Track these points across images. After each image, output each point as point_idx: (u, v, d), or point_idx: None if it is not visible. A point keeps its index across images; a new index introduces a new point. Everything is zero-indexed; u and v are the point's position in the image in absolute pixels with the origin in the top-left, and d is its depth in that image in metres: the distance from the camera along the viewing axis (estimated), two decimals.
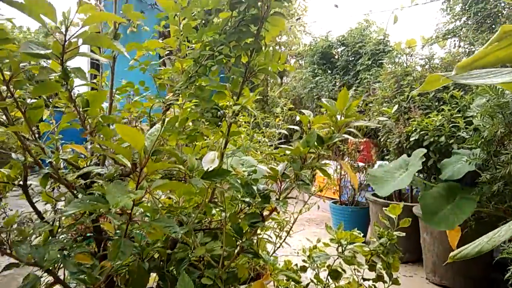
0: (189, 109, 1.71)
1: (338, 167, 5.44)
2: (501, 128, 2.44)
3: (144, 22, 2.25)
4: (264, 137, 2.94)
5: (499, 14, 5.10)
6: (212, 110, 1.66)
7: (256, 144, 2.75)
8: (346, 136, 1.73)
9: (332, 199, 5.63)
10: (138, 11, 1.79)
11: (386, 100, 4.17)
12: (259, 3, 1.58)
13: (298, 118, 1.91)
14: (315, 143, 1.64)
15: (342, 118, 1.69)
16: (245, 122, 3.08)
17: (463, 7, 5.65)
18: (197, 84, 1.64)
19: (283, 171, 1.66)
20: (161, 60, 1.94)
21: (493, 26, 5.14)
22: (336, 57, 8.59)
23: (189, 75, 1.58)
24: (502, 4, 5.02)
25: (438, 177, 3.21)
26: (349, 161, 5.32)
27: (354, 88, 7.17)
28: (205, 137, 1.76)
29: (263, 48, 1.76)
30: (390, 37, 7.38)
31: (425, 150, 3.19)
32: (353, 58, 7.88)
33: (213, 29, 1.63)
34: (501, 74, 1.00)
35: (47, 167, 1.28)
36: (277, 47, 10.86)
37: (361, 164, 5.43)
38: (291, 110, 8.00)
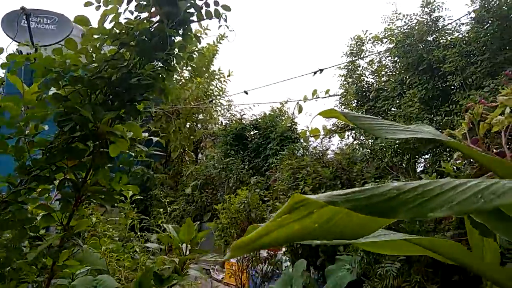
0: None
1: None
2: None
3: None
4: (141, 243, 2.64)
5: (387, 112, 5.55)
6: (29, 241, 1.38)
7: (125, 255, 2.43)
8: (193, 273, 1.53)
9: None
10: None
11: (282, 193, 4.15)
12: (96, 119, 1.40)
13: None
14: (152, 284, 1.41)
15: (188, 252, 1.50)
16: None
17: (358, 103, 6.11)
18: (13, 209, 1.36)
19: None
20: None
21: None
22: (249, 139, 8.74)
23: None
24: (389, 102, 5.47)
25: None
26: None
27: (262, 171, 7.22)
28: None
29: (105, 165, 1.56)
30: (298, 125, 7.72)
31: (305, 262, 3.13)
32: (264, 142, 8.04)
33: (39, 145, 1.41)
34: None
35: None
36: (194, 125, 10.88)
37: (264, 254, 5.26)
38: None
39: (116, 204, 2.04)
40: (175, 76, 10.02)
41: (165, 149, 10.19)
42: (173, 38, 1.63)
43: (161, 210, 3.26)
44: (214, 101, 10.49)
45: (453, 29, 4.77)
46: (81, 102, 1.40)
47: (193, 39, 1.74)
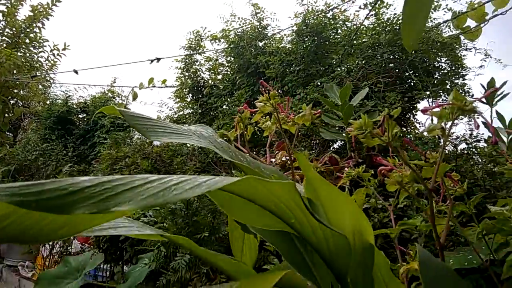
0: None
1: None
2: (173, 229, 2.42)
3: None
4: None
5: (220, 110, 5.70)
6: None
7: None
8: None
9: None
10: None
11: None
12: None
13: None
14: None
15: None
16: None
17: (193, 97, 6.14)
18: None
19: None
20: None
21: (214, 119, 5.69)
22: (76, 123, 7.94)
23: None
24: (221, 100, 5.61)
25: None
26: None
27: (88, 160, 6.64)
28: None
29: None
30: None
31: (102, 257, 2.97)
32: (92, 128, 7.41)
33: None
34: None
35: None
36: (13, 101, 9.33)
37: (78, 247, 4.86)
38: None
39: None
40: None
41: None
42: None
43: None
44: (40, 76, 9.19)
45: (279, 38, 5.18)
46: None
47: None
